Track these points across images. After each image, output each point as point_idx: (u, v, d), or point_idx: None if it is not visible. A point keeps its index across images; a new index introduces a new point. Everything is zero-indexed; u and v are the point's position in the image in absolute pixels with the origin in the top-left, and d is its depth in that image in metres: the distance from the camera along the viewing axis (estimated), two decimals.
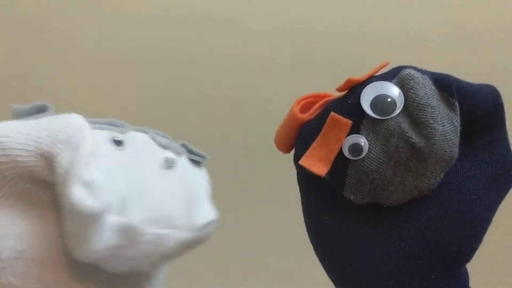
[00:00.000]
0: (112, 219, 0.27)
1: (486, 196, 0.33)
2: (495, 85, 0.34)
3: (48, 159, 0.28)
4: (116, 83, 0.70)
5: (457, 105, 0.32)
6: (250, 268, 0.74)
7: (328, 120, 0.33)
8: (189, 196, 0.32)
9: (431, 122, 0.31)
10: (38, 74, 0.70)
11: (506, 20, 0.67)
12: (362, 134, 0.32)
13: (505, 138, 0.35)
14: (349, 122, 0.32)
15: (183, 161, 0.34)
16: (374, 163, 0.31)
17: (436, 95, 0.32)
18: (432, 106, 0.31)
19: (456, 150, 0.32)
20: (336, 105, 0.33)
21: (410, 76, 0.32)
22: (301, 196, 0.37)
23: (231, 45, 0.68)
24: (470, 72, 0.65)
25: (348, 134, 0.32)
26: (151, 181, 0.30)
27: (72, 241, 0.27)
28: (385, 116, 0.32)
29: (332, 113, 0.33)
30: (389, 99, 0.32)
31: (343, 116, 0.32)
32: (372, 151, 0.32)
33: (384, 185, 0.32)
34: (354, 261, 0.33)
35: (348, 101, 0.33)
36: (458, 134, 0.32)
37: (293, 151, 0.36)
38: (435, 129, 0.31)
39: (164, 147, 0.33)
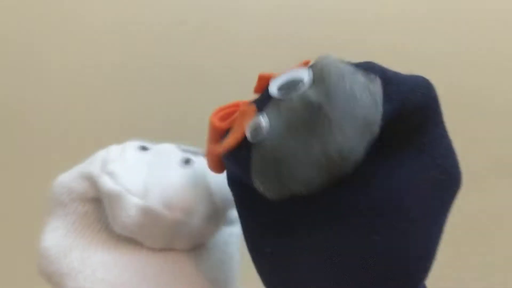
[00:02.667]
0: (134, 200, 0.35)
1: (429, 207, 0.29)
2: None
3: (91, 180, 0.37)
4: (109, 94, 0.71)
5: (379, 80, 0.28)
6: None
7: (237, 113, 0.31)
8: (206, 188, 0.37)
9: (335, 79, 0.27)
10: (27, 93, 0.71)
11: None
12: (265, 115, 0.29)
13: (443, 136, 0.30)
14: (254, 107, 0.30)
15: (200, 160, 0.38)
16: (275, 137, 0.28)
17: (350, 68, 0.28)
18: (340, 69, 0.28)
19: (376, 113, 0.27)
20: (250, 102, 0.31)
21: (324, 56, 0.29)
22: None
23: (228, 53, 0.69)
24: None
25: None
26: (170, 174, 0.36)
27: (111, 221, 0.36)
28: (291, 94, 0.28)
29: (241, 106, 0.31)
30: (297, 78, 0.29)
31: (251, 105, 0.30)
32: (273, 128, 0.28)
33: (288, 157, 0.27)
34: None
35: (261, 95, 0.31)
36: (379, 102, 0.27)
37: None
38: (337, 86, 0.27)
39: (184, 150, 0.39)
